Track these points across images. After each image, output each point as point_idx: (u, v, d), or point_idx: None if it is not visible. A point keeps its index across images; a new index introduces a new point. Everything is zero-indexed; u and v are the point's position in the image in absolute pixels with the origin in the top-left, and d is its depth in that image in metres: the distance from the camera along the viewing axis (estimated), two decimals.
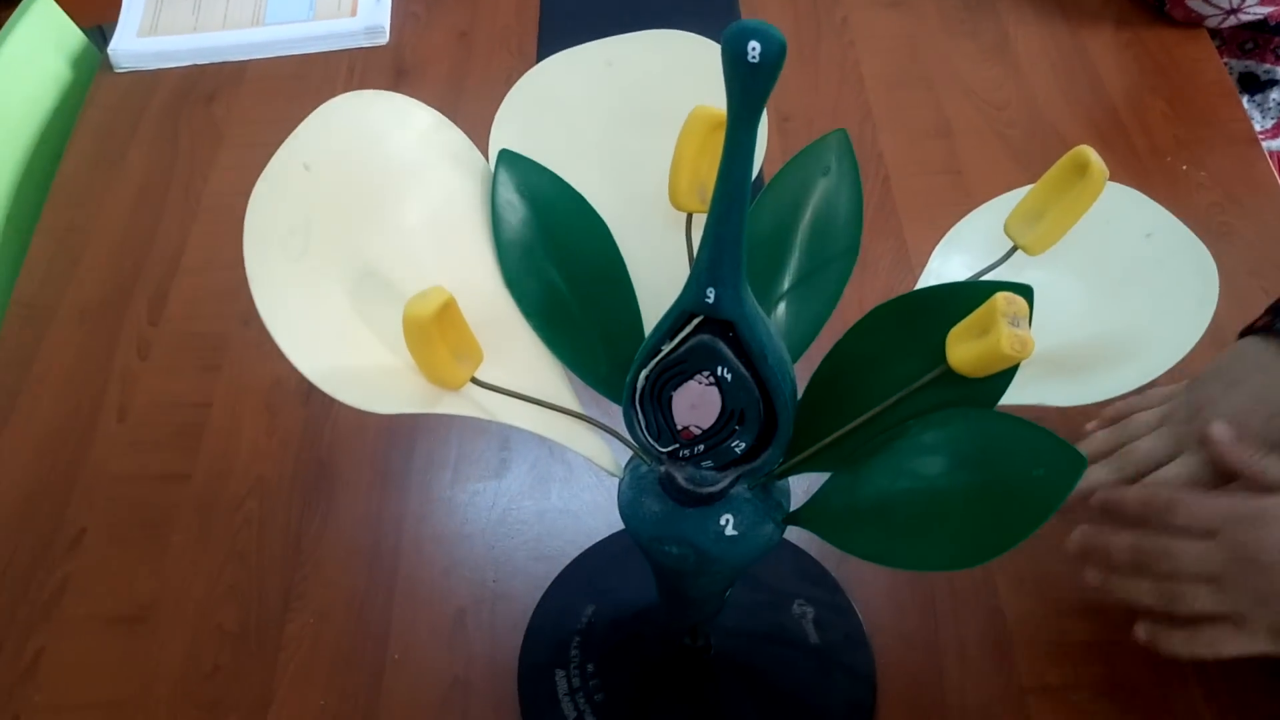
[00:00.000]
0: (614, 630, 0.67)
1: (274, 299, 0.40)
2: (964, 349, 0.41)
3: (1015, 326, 0.39)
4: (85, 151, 1.05)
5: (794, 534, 0.70)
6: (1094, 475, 0.66)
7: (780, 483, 0.49)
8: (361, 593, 0.71)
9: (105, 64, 1.14)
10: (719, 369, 0.42)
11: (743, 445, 0.44)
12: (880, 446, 0.44)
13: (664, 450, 0.46)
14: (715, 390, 0.43)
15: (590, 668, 0.66)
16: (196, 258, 0.94)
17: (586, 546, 0.71)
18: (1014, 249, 0.47)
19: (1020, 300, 0.40)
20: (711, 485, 0.46)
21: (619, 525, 0.71)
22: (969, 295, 0.42)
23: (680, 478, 0.46)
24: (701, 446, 0.45)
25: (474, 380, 0.45)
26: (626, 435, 0.48)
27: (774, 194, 0.51)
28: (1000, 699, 0.64)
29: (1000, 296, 0.39)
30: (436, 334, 0.41)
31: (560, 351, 0.50)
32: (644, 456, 0.48)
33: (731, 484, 0.46)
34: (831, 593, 0.67)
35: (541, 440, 0.77)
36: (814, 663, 0.64)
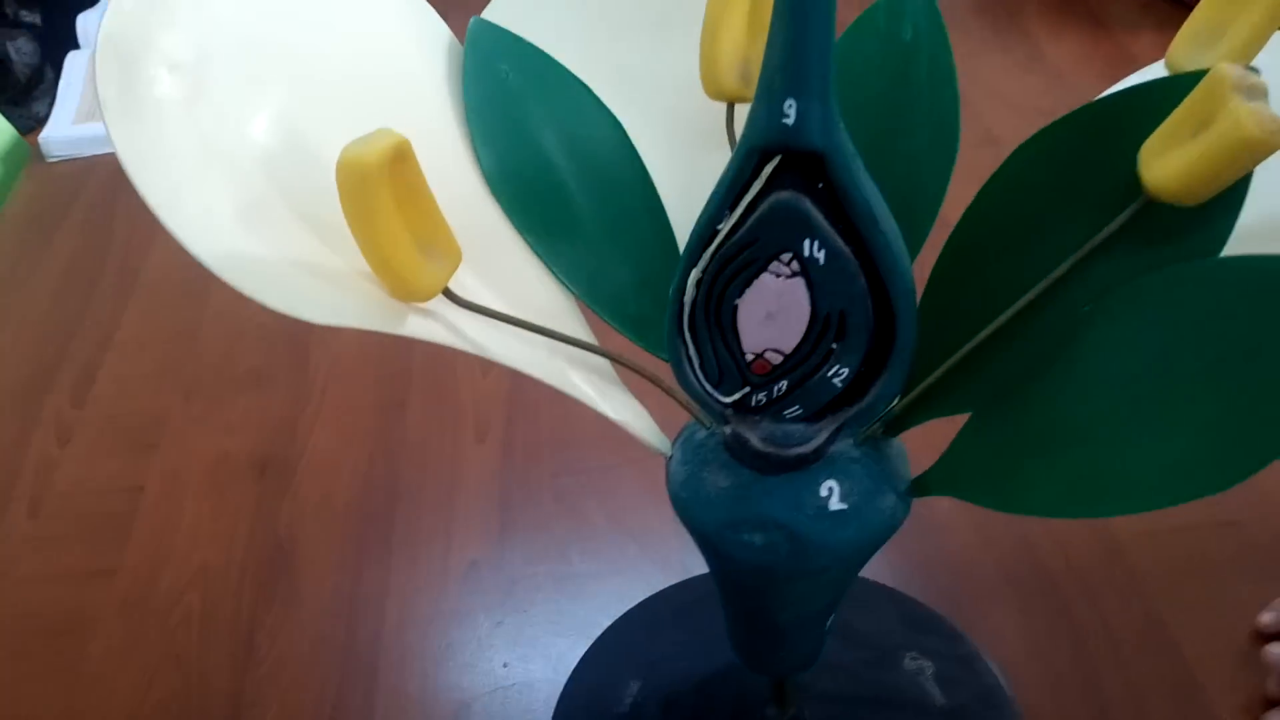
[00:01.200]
0: (669, 711, 0.52)
1: (147, 153, 0.28)
2: (1172, 160, 0.28)
3: (1253, 101, 0.26)
4: (6, 240, 0.94)
5: (887, 574, 0.56)
6: None
7: (895, 442, 0.35)
8: (333, 695, 0.56)
9: (37, 154, 1.04)
10: (806, 245, 0.30)
11: (845, 374, 0.32)
12: (1050, 353, 0.31)
13: (728, 401, 0.34)
14: (801, 284, 0.31)
15: None
16: (133, 332, 0.82)
17: (621, 612, 0.56)
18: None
19: (1254, 76, 0.27)
20: (801, 443, 0.33)
21: (659, 584, 0.57)
22: (1163, 95, 0.29)
23: (755, 439, 0.33)
24: (784, 384, 0.33)
25: (450, 294, 0.32)
26: (672, 383, 0.35)
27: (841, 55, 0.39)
28: None
29: (1223, 68, 0.27)
30: (388, 197, 0.28)
31: (571, 276, 0.37)
32: (700, 416, 0.35)
33: (830, 439, 0.33)
34: (951, 641, 0.52)
35: (552, 493, 0.64)
36: None
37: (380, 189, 0.28)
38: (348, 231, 0.30)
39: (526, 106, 0.38)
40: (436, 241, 0.31)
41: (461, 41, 0.38)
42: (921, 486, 0.34)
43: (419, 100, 0.37)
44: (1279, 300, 0.26)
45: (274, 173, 0.31)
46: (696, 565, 0.58)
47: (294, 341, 0.78)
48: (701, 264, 0.31)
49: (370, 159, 0.28)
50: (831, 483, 0.33)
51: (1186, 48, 0.35)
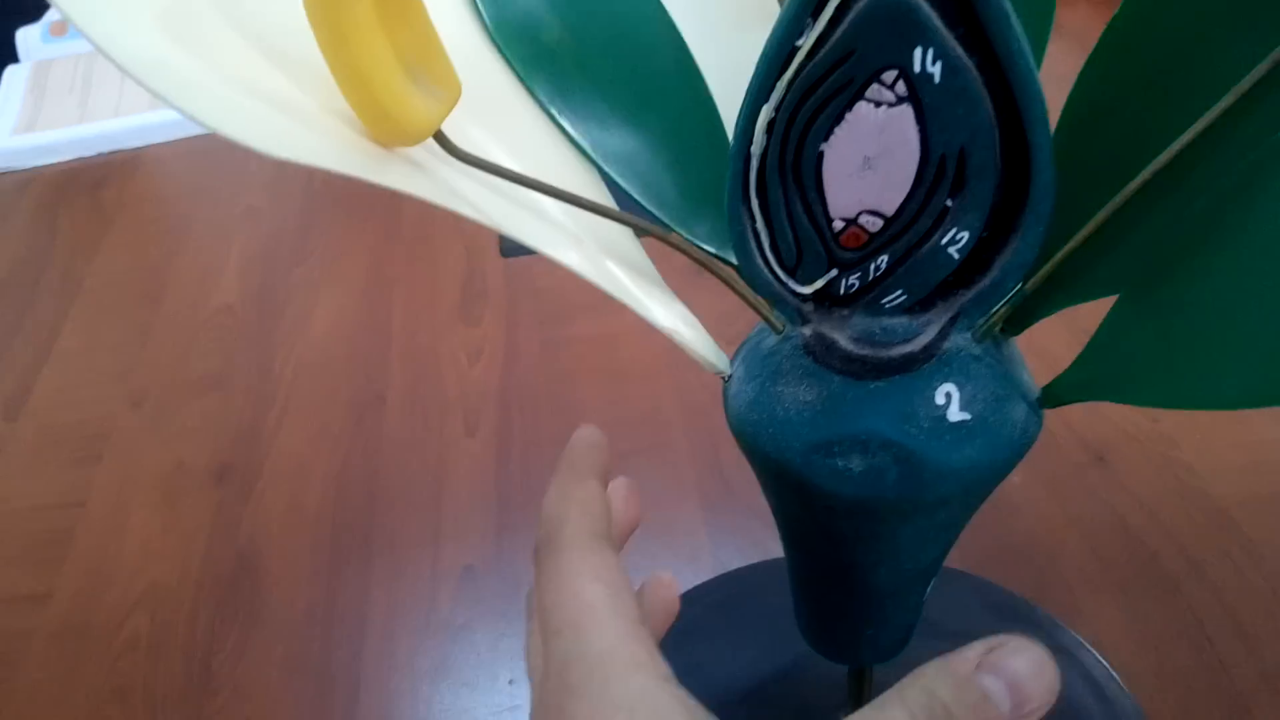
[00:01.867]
0: None
1: None
2: None
3: None
4: None
5: (957, 559, 0.48)
6: None
7: (1012, 343, 0.28)
8: None
9: None
10: (917, 56, 0.23)
11: (964, 239, 0.25)
12: (1226, 204, 0.24)
13: (808, 291, 0.26)
14: (909, 114, 0.24)
15: None
16: (74, 340, 0.74)
17: None
18: None
19: None
20: (907, 340, 0.26)
21: (690, 583, 0.49)
22: None
23: (843, 339, 0.26)
24: (883, 260, 0.26)
25: (441, 140, 0.25)
26: (728, 272, 0.27)
27: None
28: None
29: None
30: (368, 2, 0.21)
31: (594, 145, 0.30)
32: (770, 316, 0.28)
33: (943, 333, 0.26)
34: (1047, 631, 0.45)
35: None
36: None
37: None
38: (316, 66, 0.23)
39: None
40: (430, 65, 0.24)
41: None
42: (1062, 391, 0.27)
43: None
44: None
45: None
46: (731, 559, 0.50)
47: (255, 341, 0.70)
48: (775, 98, 0.24)
49: None
50: (950, 387, 0.26)
51: None
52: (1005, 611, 0.45)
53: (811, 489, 0.26)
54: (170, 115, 0.99)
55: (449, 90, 0.24)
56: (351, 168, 0.22)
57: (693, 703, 0.22)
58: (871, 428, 0.25)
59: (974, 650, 0.22)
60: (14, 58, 1.12)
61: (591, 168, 0.29)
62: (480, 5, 0.30)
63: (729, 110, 0.30)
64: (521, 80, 0.30)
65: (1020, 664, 0.22)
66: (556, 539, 0.25)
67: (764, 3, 0.31)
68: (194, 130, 0.98)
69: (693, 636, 0.47)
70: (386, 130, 0.24)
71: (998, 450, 0.26)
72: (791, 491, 0.27)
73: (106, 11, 0.21)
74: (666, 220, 0.29)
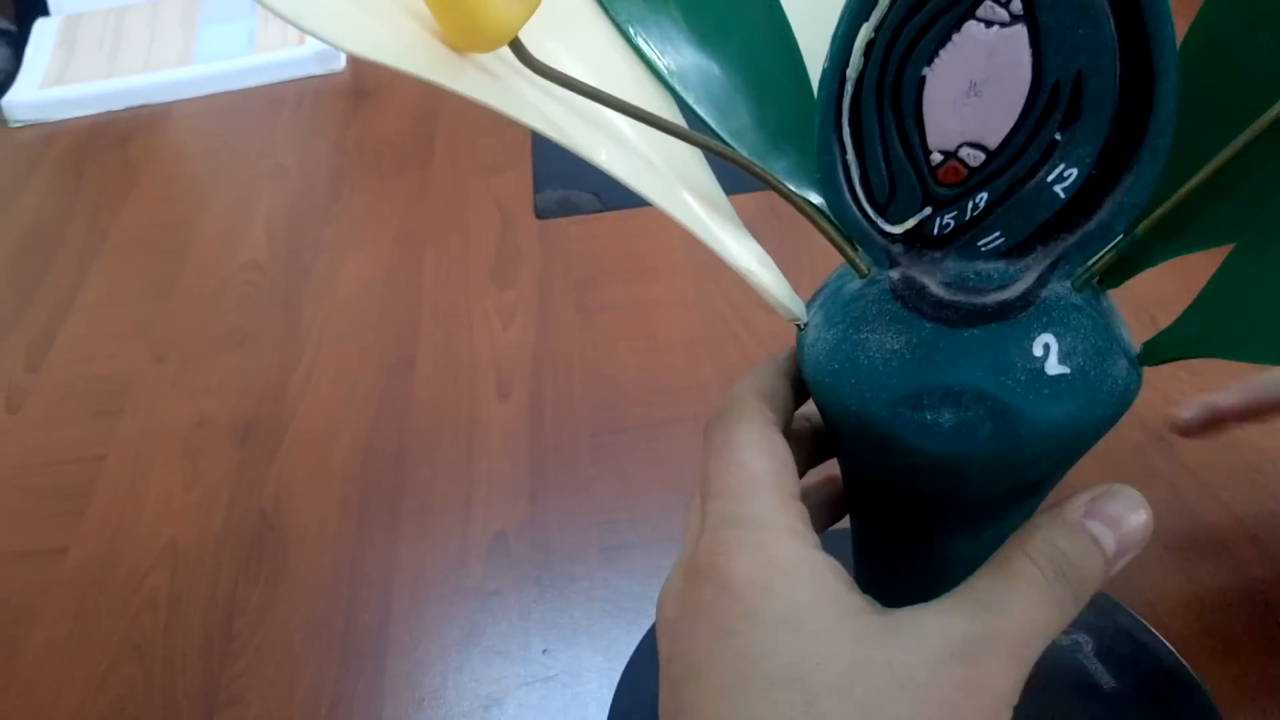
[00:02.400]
0: None
1: None
2: None
3: None
4: None
5: None
6: None
7: (1108, 295, 0.26)
8: (330, 692, 0.45)
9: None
10: None
11: (1072, 177, 0.24)
12: None
13: (899, 231, 0.25)
14: (1023, 34, 0.22)
15: None
16: (97, 293, 0.72)
17: None
18: None
19: None
20: (1003, 286, 0.25)
21: None
22: None
23: (934, 285, 0.25)
24: (983, 197, 0.24)
25: (518, 50, 0.23)
26: (811, 208, 0.26)
27: None
28: None
29: None
30: None
31: (668, 61, 0.28)
32: (855, 258, 0.26)
33: (1042, 279, 0.24)
34: (1108, 613, 0.43)
35: (590, 453, 0.54)
36: (1124, 718, 0.39)
37: None
38: None
39: None
40: None
41: None
42: (1166, 347, 0.25)
43: None
44: None
45: None
46: None
47: (283, 297, 0.69)
48: (875, 15, 0.22)
49: None
50: (1048, 338, 0.24)
51: None
52: None
53: (896, 444, 0.24)
54: (199, 71, 0.97)
55: None
56: (423, 69, 0.21)
57: (843, 570, 0.24)
58: (965, 379, 0.23)
59: (1080, 500, 0.25)
60: (44, 10, 1.10)
61: (667, 94, 0.28)
62: None
63: (808, 39, 0.28)
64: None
65: (1118, 507, 0.24)
66: (731, 414, 0.26)
67: None
68: (223, 86, 0.96)
69: None
70: (464, 30, 0.22)
71: (1097, 407, 0.24)
72: (873, 448, 0.25)
73: None
74: (744, 153, 0.27)
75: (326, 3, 0.20)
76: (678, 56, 0.28)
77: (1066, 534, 0.24)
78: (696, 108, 0.27)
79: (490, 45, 0.23)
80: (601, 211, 0.71)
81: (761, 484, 0.24)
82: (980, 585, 0.23)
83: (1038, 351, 0.23)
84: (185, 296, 0.71)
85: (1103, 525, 0.24)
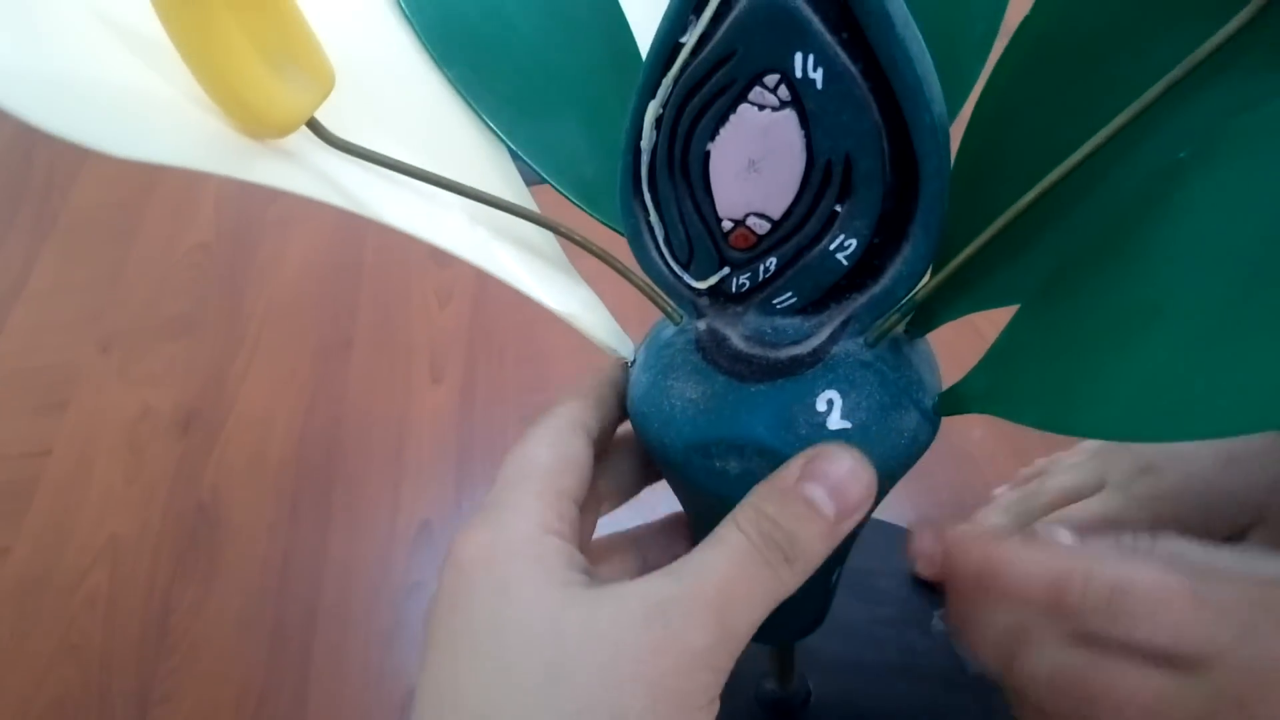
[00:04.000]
0: None
1: None
2: None
3: None
4: None
5: (910, 512, 0.48)
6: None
7: (920, 343, 0.27)
8: (259, 686, 0.48)
9: None
10: (799, 61, 0.22)
11: (852, 247, 0.25)
12: (1128, 218, 0.23)
13: (702, 286, 0.26)
14: (792, 119, 0.23)
15: None
16: (45, 281, 0.74)
17: None
18: None
19: None
20: (797, 342, 0.26)
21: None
22: None
23: (736, 336, 0.26)
24: (772, 262, 0.25)
25: (316, 128, 0.24)
26: (631, 265, 0.27)
27: None
28: None
29: None
30: None
31: (506, 125, 0.29)
32: (668, 307, 0.27)
33: (833, 336, 0.25)
34: None
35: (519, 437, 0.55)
36: (978, 703, 0.41)
37: None
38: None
39: None
40: (296, 56, 0.23)
41: None
42: (956, 401, 0.26)
43: None
44: None
45: None
46: None
47: (227, 282, 0.70)
48: (661, 94, 0.23)
49: None
50: (832, 394, 0.25)
51: None
52: None
53: (692, 486, 0.26)
54: None
55: (319, 79, 0.23)
56: (207, 162, 0.21)
57: (576, 554, 0.24)
58: (748, 433, 0.25)
59: (795, 463, 0.24)
60: None
61: (498, 144, 0.28)
62: None
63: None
64: (425, 44, 0.29)
65: (838, 469, 0.23)
66: (544, 412, 0.27)
67: None
68: None
69: None
70: (249, 123, 0.23)
71: (879, 459, 0.25)
72: (678, 485, 0.27)
73: None
74: (580, 200, 0.28)
75: (103, 109, 0.21)
76: (511, 108, 0.29)
77: (776, 499, 0.24)
78: (533, 162, 0.28)
79: (281, 133, 0.24)
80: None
81: (529, 474, 0.25)
82: (689, 556, 0.24)
83: (821, 407, 0.25)
84: (133, 282, 0.72)
85: (817, 486, 0.23)
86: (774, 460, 0.24)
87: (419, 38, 0.29)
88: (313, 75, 0.24)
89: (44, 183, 0.83)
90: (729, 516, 0.24)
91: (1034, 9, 0.24)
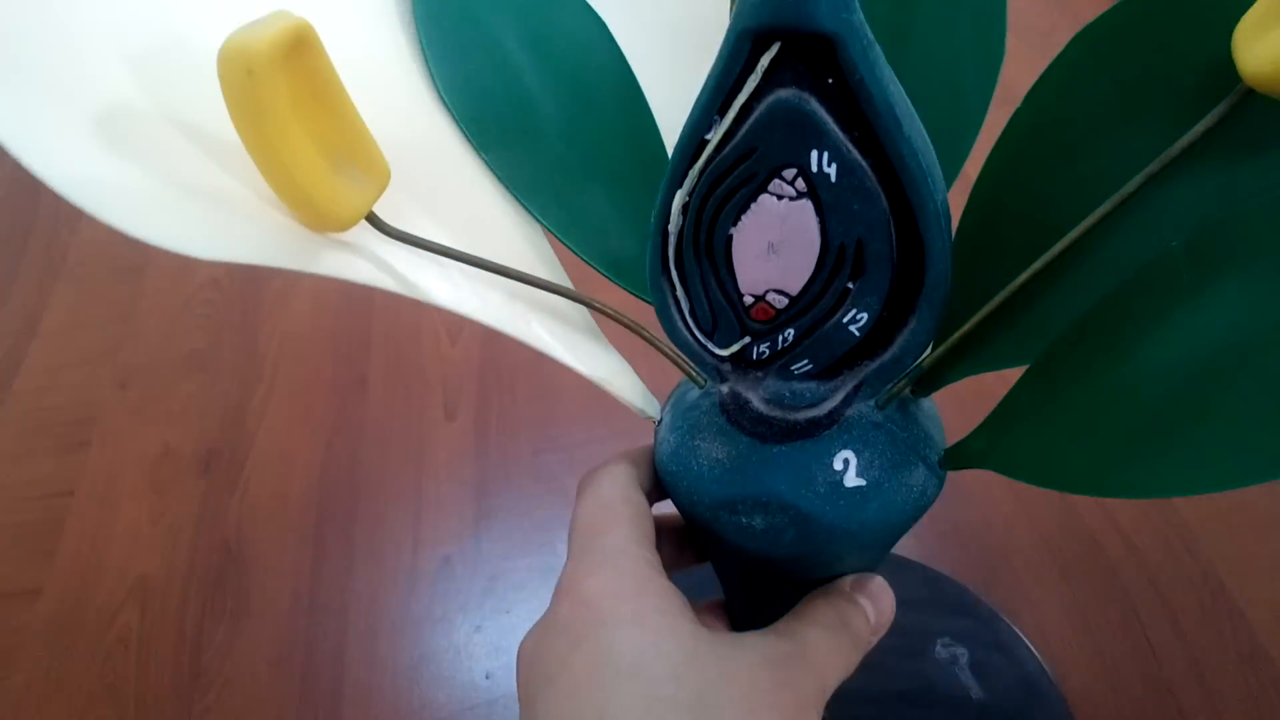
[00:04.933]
0: None
1: None
2: (1276, 41, 0.22)
3: None
4: None
5: (914, 546, 0.50)
6: None
7: (925, 404, 0.30)
8: (292, 719, 0.50)
9: None
10: (814, 157, 0.24)
11: (864, 320, 0.27)
12: (1118, 301, 0.25)
13: (724, 354, 0.28)
14: (808, 208, 0.25)
15: None
16: (59, 318, 0.76)
17: None
18: None
19: None
20: (813, 404, 0.28)
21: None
22: None
23: (757, 400, 0.28)
24: (790, 333, 0.28)
25: (374, 220, 0.27)
26: (660, 335, 0.29)
27: None
28: None
29: None
30: (284, 97, 0.23)
31: (541, 206, 0.31)
32: (693, 372, 0.30)
33: (847, 400, 0.28)
34: (987, 624, 0.47)
35: (531, 473, 0.58)
36: None
37: (273, 86, 0.22)
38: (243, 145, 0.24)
39: (488, 9, 0.33)
40: (355, 155, 0.25)
41: None
42: (958, 457, 0.28)
43: None
44: None
45: (146, 71, 0.25)
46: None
47: (240, 318, 0.72)
48: (688, 184, 0.26)
49: (258, 48, 0.22)
50: (848, 453, 0.27)
51: None
52: (950, 604, 0.48)
53: (719, 539, 0.29)
54: None
55: (377, 175, 0.26)
56: (276, 259, 0.24)
57: (681, 594, 0.27)
58: (772, 490, 0.27)
59: (848, 579, 0.30)
60: None
61: (534, 223, 0.31)
62: (427, 55, 0.31)
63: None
64: (464, 132, 0.31)
65: (875, 586, 0.30)
66: (601, 469, 0.30)
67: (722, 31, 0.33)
68: None
69: None
70: (314, 220, 0.25)
71: (892, 513, 0.28)
72: (705, 537, 0.30)
73: (39, 130, 0.22)
74: (609, 272, 0.31)
75: (180, 213, 0.24)
76: (545, 189, 0.31)
77: (842, 598, 0.29)
78: (564, 239, 0.31)
79: (343, 227, 0.26)
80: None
81: (618, 521, 0.28)
82: (783, 625, 0.28)
83: (838, 466, 0.27)
84: (146, 318, 0.74)
85: (864, 597, 0.30)
86: (796, 515, 0.27)
87: (459, 126, 0.31)
88: (371, 173, 0.26)
89: (52, 218, 0.85)
90: (808, 600, 0.29)
91: (1024, 102, 0.27)
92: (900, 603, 0.48)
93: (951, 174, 0.30)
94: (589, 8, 0.33)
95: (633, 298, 0.31)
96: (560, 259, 0.32)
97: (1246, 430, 0.22)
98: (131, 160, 0.24)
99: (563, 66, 0.33)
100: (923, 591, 0.48)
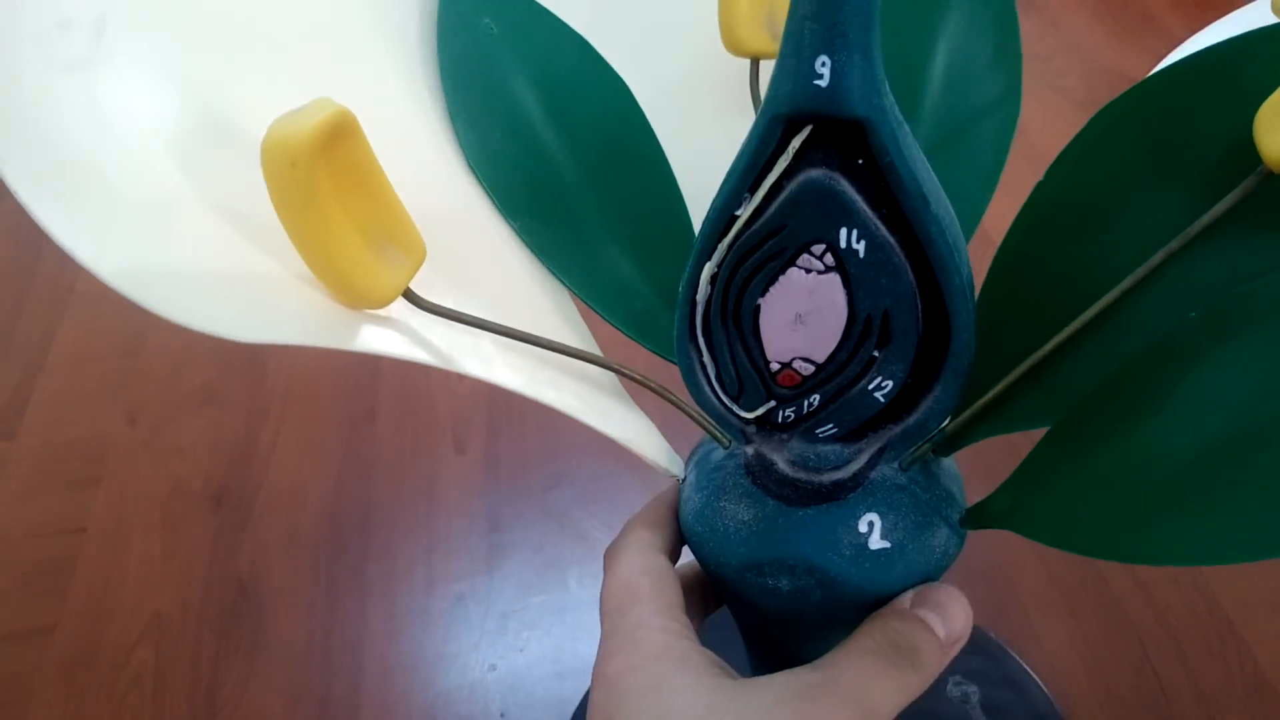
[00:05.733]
0: None
1: (28, 137, 0.23)
2: None
3: None
4: None
5: None
6: None
7: (946, 463, 0.31)
8: None
9: None
10: (843, 234, 0.25)
11: (889, 387, 0.28)
12: (1139, 369, 0.27)
13: (750, 416, 0.29)
14: (836, 281, 0.27)
15: None
16: (66, 351, 0.77)
17: None
18: None
19: None
20: (837, 468, 0.29)
21: None
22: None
23: (781, 462, 0.29)
24: (815, 399, 0.29)
25: (410, 296, 0.28)
26: (686, 398, 0.30)
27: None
28: None
29: None
30: (326, 185, 0.24)
31: (566, 270, 0.33)
32: (718, 434, 0.31)
33: (871, 463, 0.29)
34: (998, 661, 0.48)
35: (543, 509, 0.59)
36: None
37: (315, 175, 0.23)
38: (273, 220, 0.26)
39: (512, 65, 0.34)
40: (393, 236, 0.27)
41: None
42: (981, 517, 0.29)
43: (381, 59, 0.32)
44: None
45: (189, 156, 0.27)
46: None
47: (249, 352, 0.73)
48: (717, 257, 0.27)
49: (300, 138, 0.23)
50: (872, 516, 0.28)
51: None
52: None
53: (744, 598, 0.30)
54: None
55: (413, 254, 0.27)
56: (316, 339, 0.25)
57: (714, 656, 0.27)
58: (798, 553, 0.28)
59: (906, 595, 0.28)
60: None
61: (560, 286, 0.32)
62: (455, 126, 0.32)
63: (699, 204, 0.33)
64: (492, 199, 0.32)
65: (941, 596, 0.28)
66: (619, 543, 0.31)
67: (741, 96, 0.34)
68: None
69: None
70: (353, 299, 0.26)
71: (914, 574, 0.29)
72: (732, 594, 0.31)
73: (91, 224, 0.24)
74: (632, 332, 0.32)
75: (223, 297, 0.25)
76: (570, 252, 0.33)
77: (897, 617, 0.28)
78: (589, 301, 0.32)
79: (381, 305, 0.27)
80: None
81: (640, 597, 0.29)
82: (825, 657, 0.28)
83: (863, 529, 0.28)
84: (154, 351, 0.75)
85: (929, 610, 0.28)
86: (822, 578, 0.28)
87: (487, 194, 0.33)
88: (408, 252, 0.28)
89: (57, 251, 0.86)
90: (862, 634, 0.28)
91: (1047, 174, 0.28)
92: None
93: (970, 227, 0.31)
94: (610, 69, 0.34)
95: (656, 356, 0.32)
96: (586, 319, 0.33)
97: (1266, 501, 0.23)
98: (178, 249, 0.25)
99: (584, 129, 0.34)
100: None
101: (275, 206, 0.25)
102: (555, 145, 0.33)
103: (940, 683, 0.48)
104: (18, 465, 0.68)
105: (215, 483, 0.65)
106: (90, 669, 0.56)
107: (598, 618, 0.52)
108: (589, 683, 0.50)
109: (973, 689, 0.47)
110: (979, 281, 0.28)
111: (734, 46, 0.33)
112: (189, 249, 0.26)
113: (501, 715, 0.51)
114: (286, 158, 0.23)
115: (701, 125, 0.35)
